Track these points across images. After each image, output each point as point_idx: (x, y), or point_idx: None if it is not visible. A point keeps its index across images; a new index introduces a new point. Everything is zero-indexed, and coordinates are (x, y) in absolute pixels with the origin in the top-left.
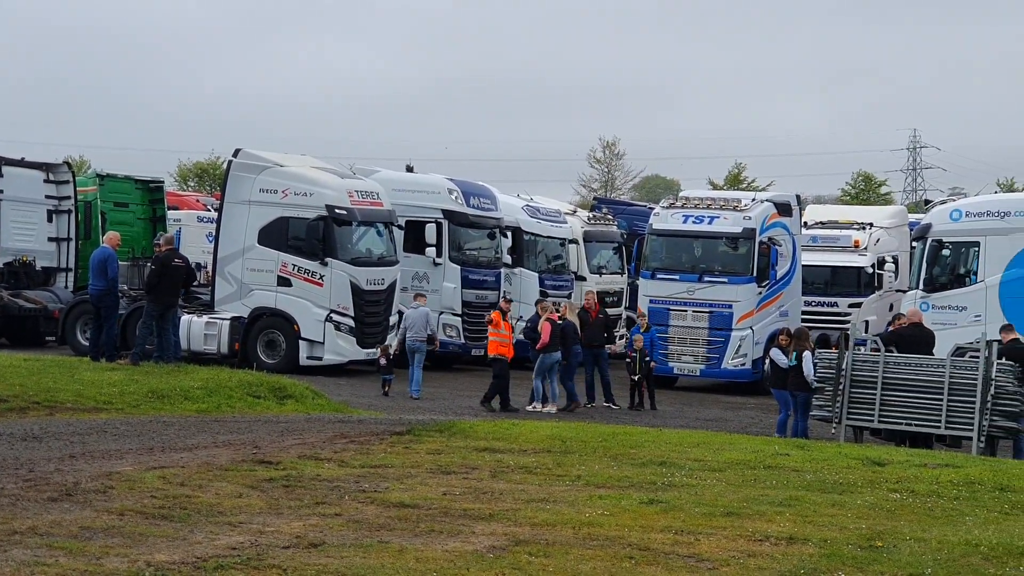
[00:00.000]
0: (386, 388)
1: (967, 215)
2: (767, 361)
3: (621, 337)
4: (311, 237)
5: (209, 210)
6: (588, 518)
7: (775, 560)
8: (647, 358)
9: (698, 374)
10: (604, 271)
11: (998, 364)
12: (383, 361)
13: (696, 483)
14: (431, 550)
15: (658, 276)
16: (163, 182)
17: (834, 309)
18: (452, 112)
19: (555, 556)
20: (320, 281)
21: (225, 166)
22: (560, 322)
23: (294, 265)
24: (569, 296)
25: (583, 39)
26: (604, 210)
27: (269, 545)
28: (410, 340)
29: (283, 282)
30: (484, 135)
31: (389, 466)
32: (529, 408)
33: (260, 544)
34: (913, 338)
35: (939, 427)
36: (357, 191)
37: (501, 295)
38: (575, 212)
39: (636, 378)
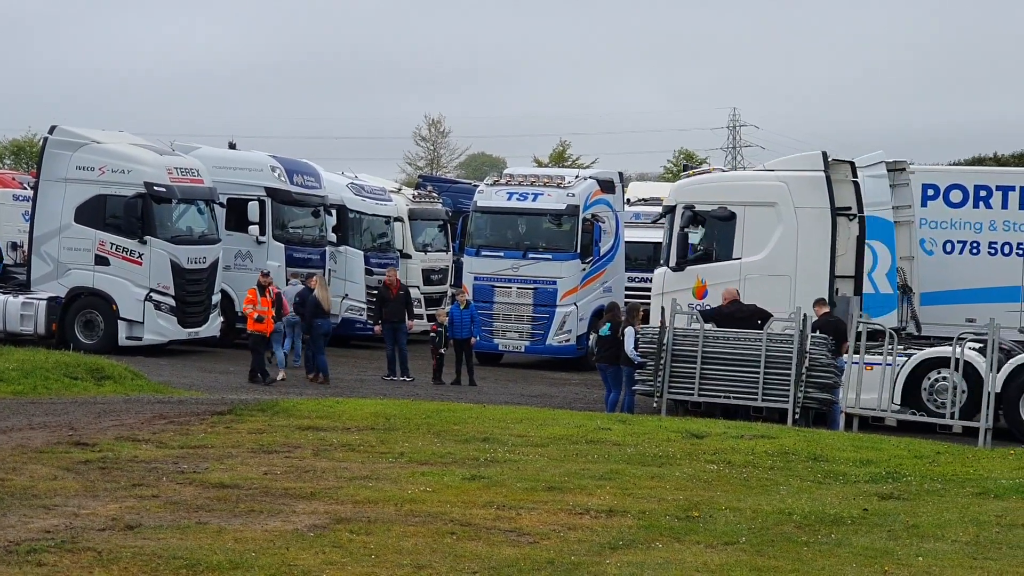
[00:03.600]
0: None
1: None
2: (592, 337)
3: (448, 314)
4: (129, 215)
5: (25, 188)
6: (410, 495)
7: (595, 532)
8: (449, 334)
9: (523, 350)
10: (429, 249)
11: (812, 337)
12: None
13: (519, 458)
14: (250, 530)
15: (483, 253)
16: None
17: None
18: (276, 89)
19: (376, 533)
20: (139, 260)
21: (41, 143)
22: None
23: (112, 244)
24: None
25: (410, 17)
26: (429, 188)
27: (84, 528)
28: (291, 317)
29: (101, 261)
30: (309, 112)
31: (209, 446)
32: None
33: (75, 527)
34: (732, 316)
35: (756, 399)
36: (177, 168)
37: (314, 273)
38: (400, 190)
39: (443, 351)
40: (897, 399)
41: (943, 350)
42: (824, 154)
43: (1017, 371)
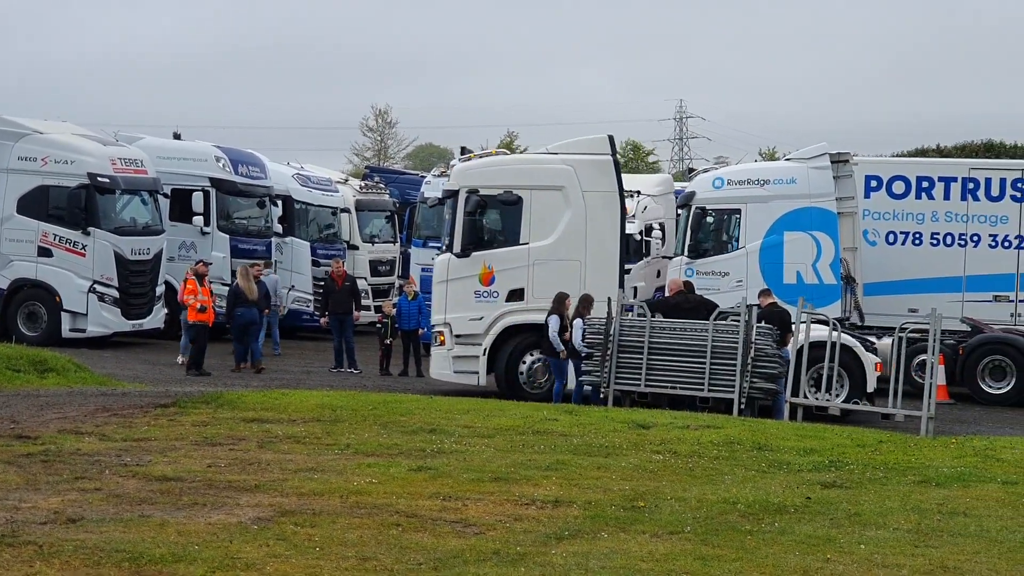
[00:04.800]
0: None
1: (729, 183)
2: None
3: (395, 305)
4: (72, 206)
5: None
6: (356, 486)
7: (541, 523)
8: (397, 324)
9: None
10: (377, 240)
11: (757, 328)
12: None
13: (465, 449)
14: (194, 523)
15: (430, 244)
16: None
17: None
18: (222, 79)
19: (321, 526)
20: (82, 251)
21: None
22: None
23: (55, 235)
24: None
25: (358, 6)
26: (376, 179)
27: (25, 521)
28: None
29: (44, 252)
30: (255, 102)
31: (152, 439)
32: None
33: (16, 520)
34: (679, 306)
35: (702, 390)
36: (120, 159)
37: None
38: (347, 181)
39: (390, 343)
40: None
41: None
42: (610, 137)
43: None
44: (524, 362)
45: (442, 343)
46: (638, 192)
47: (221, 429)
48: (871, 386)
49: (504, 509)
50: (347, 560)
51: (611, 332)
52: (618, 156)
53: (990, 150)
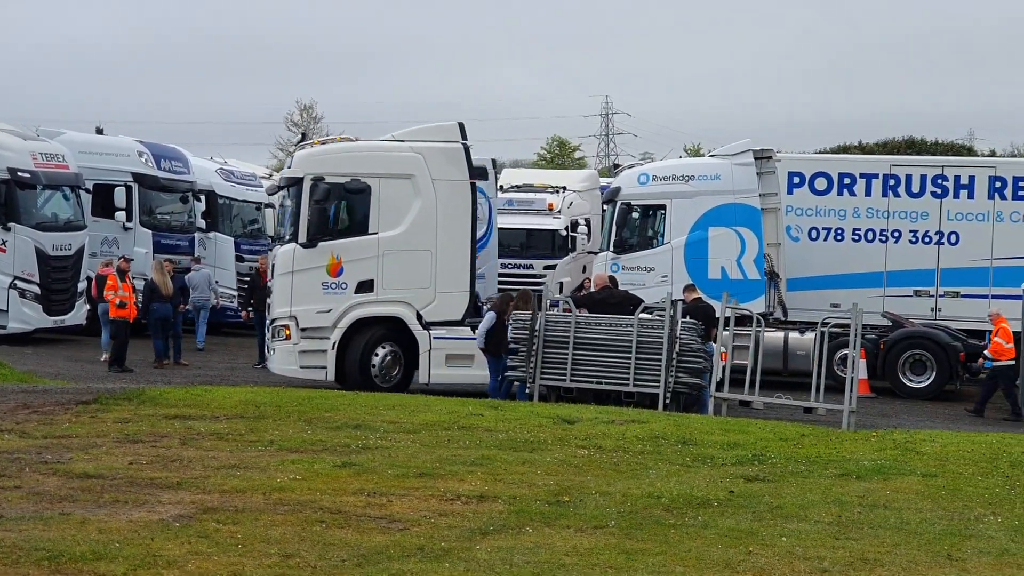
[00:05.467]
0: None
1: (654, 179)
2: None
3: None
4: None
5: None
6: (280, 483)
7: (466, 519)
8: None
9: None
10: None
11: (682, 323)
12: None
13: (390, 445)
14: (115, 521)
15: None
16: None
17: (529, 271)
18: (145, 73)
19: (244, 523)
20: (3, 247)
21: None
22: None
23: None
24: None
25: (284, 0)
26: None
27: None
28: (196, 299)
29: None
30: (178, 97)
31: (73, 436)
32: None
33: None
34: (604, 302)
35: (627, 385)
36: (41, 153)
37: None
38: (271, 176)
39: None
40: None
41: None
42: (461, 124)
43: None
44: (376, 355)
45: (287, 337)
46: (564, 188)
47: (143, 426)
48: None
49: (429, 505)
50: (270, 557)
51: (536, 328)
52: (468, 143)
53: (911, 147)
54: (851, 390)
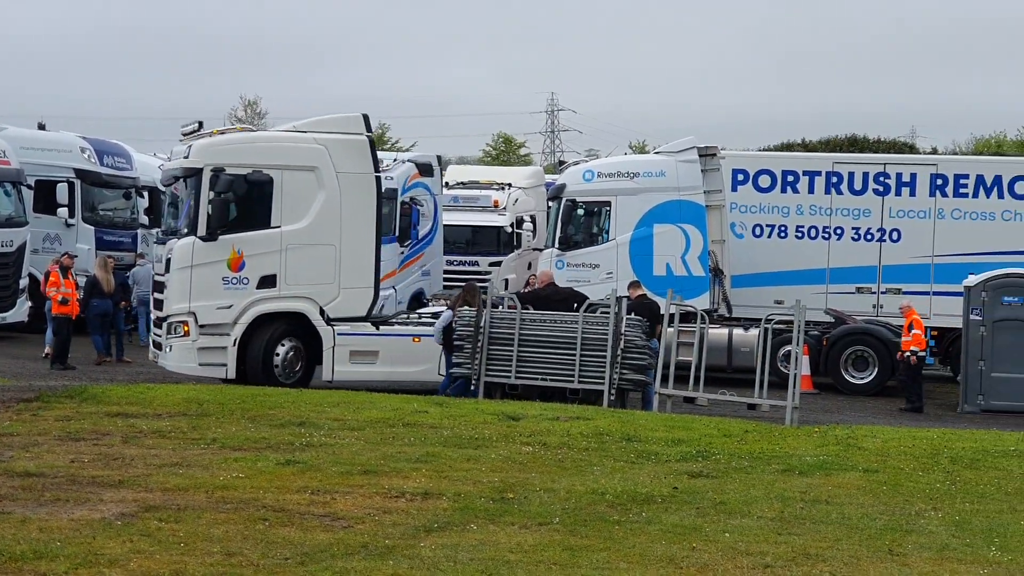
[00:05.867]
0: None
1: (599, 176)
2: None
3: None
4: None
5: None
6: (223, 481)
7: (410, 515)
8: None
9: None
10: None
11: (627, 319)
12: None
13: (334, 442)
14: (56, 519)
15: None
16: None
17: (475, 268)
18: (88, 68)
19: (187, 521)
20: None
21: None
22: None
23: None
24: None
25: None
26: None
27: None
28: (141, 293)
29: None
30: (122, 92)
31: (14, 434)
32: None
33: None
34: (549, 298)
35: (572, 381)
36: None
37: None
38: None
39: None
40: (443, 370)
41: None
42: (365, 116)
43: None
44: (277, 353)
45: (186, 334)
46: (509, 185)
47: (85, 424)
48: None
49: (373, 502)
50: (212, 556)
51: (481, 324)
52: (373, 135)
53: (854, 144)
54: (794, 386)
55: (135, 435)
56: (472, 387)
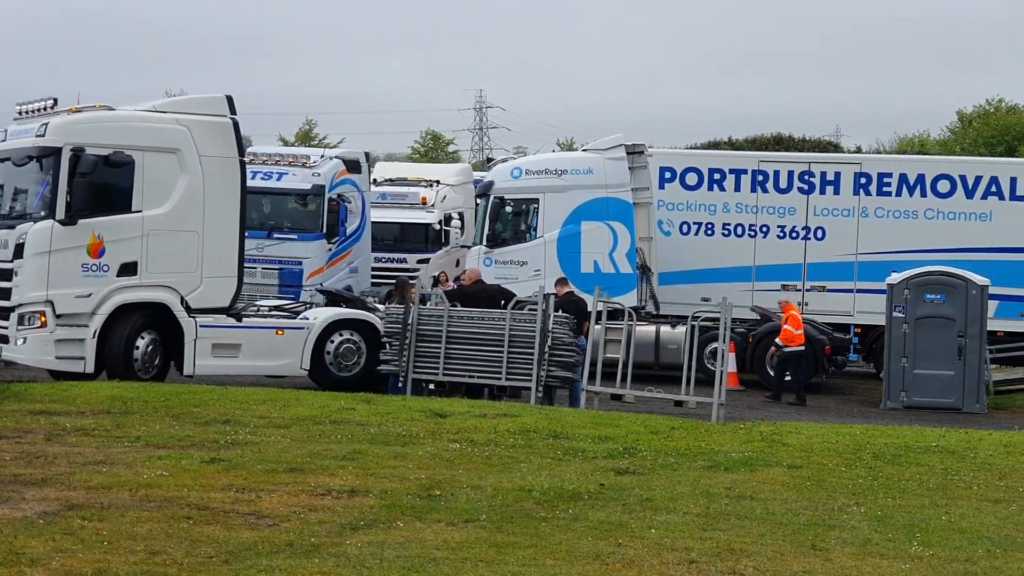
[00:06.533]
0: None
1: (527, 173)
2: None
3: None
4: None
5: None
6: (147, 479)
7: (336, 513)
8: None
9: None
10: None
11: (555, 317)
12: None
13: (260, 440)
14: None
15: None
16: None
17: (403, 265)
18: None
19: (110, 519)
20: None
21: None
22: None
23: None
24: None
25: None
26: None
27: None
28: None
29: None
30: (39, 85)
31: None
32: None
33: None
34: (476, 295)
35: (500, 378)
36: None
37: None
38: None
39: None
40: (307, 363)
41: (349, 312)
42: (229, 98)
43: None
44: (137, 346)
45: (43, 325)
46: (437, 182)
47: (7, 421)
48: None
49: (299, 500)
50: (136, 554)
51: (409, 321)
52: (238, 118)
53: (779, 143)
54: (720, 383)
55: (58, 433)
56: (400, 384)
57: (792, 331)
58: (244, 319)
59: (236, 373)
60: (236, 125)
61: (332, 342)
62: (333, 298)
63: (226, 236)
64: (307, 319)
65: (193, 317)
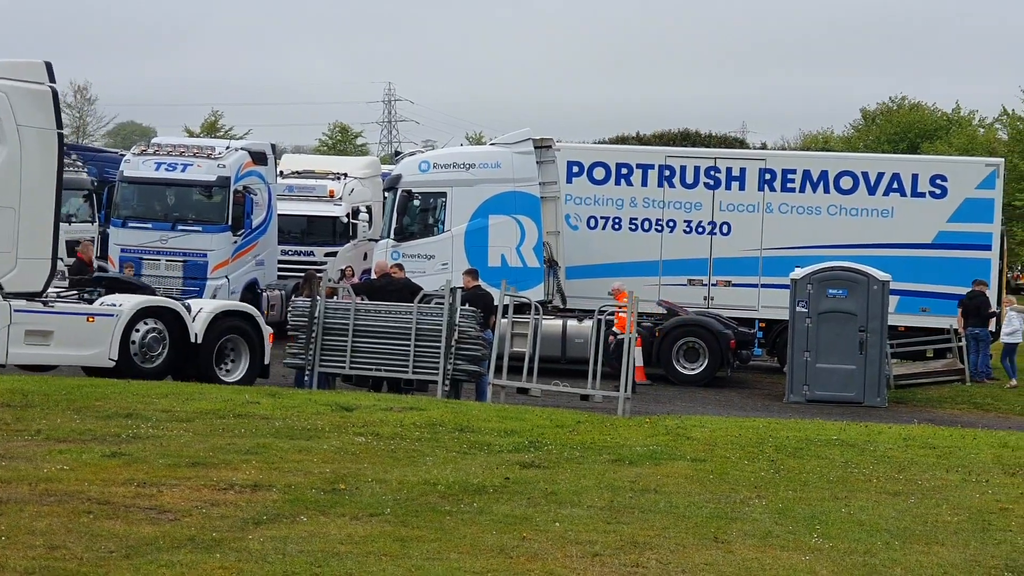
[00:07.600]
0: None
1: (435, 166)
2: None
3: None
4: None
5: None
6: (47, 474)
7: (239, 508)
8: None
9: None
10: (73, 219)
11: (461, 310)
12: None
13: (162, 434)
14: None
15: (130, 224)
16: None
17: (310, 258)
18: None
19: (8, 514)
20: None
21: None
22: None
23: None
24: None
25: None
26: (73, 156)
27: None
28: None
29: None
30: None
31: None
32: None
33: None
34: (384, 288)
35: (407, 372)
36: None
37: None
38: None
39: None
40: (114, 353)
41: (157, 299)
42: (48, 64)
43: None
44: None
45: None
46: (345, 175)
47: None
48: (267, 358)
49: (201, 494)
50: (35, 549)
51: (316, 314)
52: (57, 87)
53: (686, 139)
54: (627, 377)
55: None
56: (307, 378)
57: (624, 317)
58: (54, 304)
59: (48, 363)
60: (55, 94)
61: (138, 331)
62: (114, 283)
63: (42, 215)
64: (114, 305)
65: (7, 301)
